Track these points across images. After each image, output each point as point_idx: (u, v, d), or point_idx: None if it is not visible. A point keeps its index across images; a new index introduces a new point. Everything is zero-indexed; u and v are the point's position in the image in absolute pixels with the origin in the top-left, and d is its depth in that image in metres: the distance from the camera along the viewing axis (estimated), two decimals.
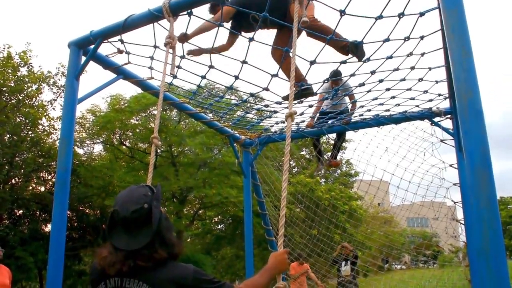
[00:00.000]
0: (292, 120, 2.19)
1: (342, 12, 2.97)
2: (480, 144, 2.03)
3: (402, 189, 6.10)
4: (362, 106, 5.03)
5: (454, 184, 5.31)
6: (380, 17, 3.06)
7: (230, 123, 5.90)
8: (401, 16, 3.11)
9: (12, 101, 16.62)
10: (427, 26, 3.34)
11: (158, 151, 19.26)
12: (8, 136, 16.51)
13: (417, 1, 2.94)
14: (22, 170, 16.97)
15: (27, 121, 16.87)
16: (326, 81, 4.82)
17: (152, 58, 3.76)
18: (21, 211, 18.02)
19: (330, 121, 5.90)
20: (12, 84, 16.34)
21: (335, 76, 5.16)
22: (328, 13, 3.04)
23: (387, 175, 6.12)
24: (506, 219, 36.49)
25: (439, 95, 4.88)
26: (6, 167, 16.24)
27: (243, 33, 3.77)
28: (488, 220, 1.91)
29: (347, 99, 5.84)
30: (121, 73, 4.05)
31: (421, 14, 3.18)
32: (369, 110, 5.34)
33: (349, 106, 5.91)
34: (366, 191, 7.19)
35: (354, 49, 3.56)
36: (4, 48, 16.49)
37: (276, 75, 3.82)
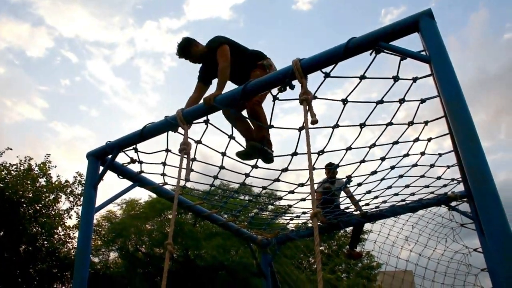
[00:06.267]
0: (318, 219, 2.14)
1: (345, 101, 3.09)
2: (502, 229, 1.98)
3: (429, 279, 5.84)
4: (376, 197, 5.01)
5: (482, 270, 5.08)
6: (381, 101, 3.16)
7: (246, 223, 5.86)
8: (402, 101, 3.21)
9: (30, 211, 16.84)
10: (430, 106, 3.43)
11: (174, 255, 18.88)
12: (23, 247, 16.48)
13: (419, 82, 3.03)
14: (35, 282, 16.64)
15: (43, 231, 16.93)
16: (324, 181, 5.77)
17: (164, 164, 3.88)
18: None
19: (344, 213, 5.85)
20: (31, 195, 16.70)
21: (331, 165, 5.76)
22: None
23: (410, 265, 5.91)
24: None
25: (453, 179, 4.87)
26: (19, 279, 15.97)
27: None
28: None
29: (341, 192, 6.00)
30: (137, 180, 4.15)
31: (422, 101, 3.28)
32: (385, 202, 5.30)
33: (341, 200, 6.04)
34: (391, 283, 6.87)
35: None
36: (25, 161, 17.16)
37: (285, 170, 3.88)
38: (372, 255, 22.57)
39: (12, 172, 16.76)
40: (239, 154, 3.84)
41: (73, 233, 17.98)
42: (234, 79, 3.97)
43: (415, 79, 2.98)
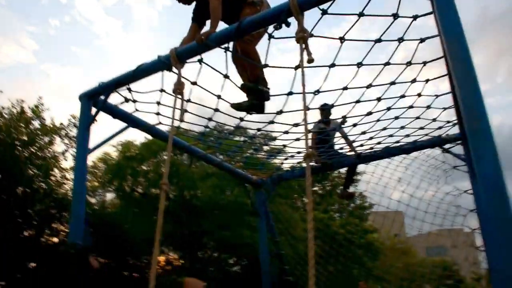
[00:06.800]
0: (310, 160, 2.14)
1: (342, 39, 3.02)
2: (493, 170, 1.99)
3: (418, 220, 6.00)
4: (371, 138, 5.03)
5: (471, 211, 5.21)
6: (379, 40, 3.10)
7: (241, 163, 5.91)
8: (401, 40, 3.15)
9: (25, 154, 16.86)
10: (429, 49, 3.37)
11: (170, 195, 19.24)
12: (21, 189, 16.66)
13: (418, 24, 2.97)
14: (34, 222, 17.00)
15: (39, 173, 17.03)
16: (317, 122, 5.67)
17: (159, 103, 3.83)
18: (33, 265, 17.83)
19: (338, 154, 5.87)
20: (25, 138, 16.65)
21: (325, 106, 5.64)
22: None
23: (401, 205, 6.05)
24: None
25: (448, 122, 4.87)
26: (19, 219, 16.28)
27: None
28: (507, 246, 1.85)
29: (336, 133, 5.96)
30: (131, 121, 4.11)
31: (422, 41, 3.21)
32: (379, 143, 5.32)
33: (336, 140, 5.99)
34: (382, 223, 7.08)
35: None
36: (17, 104, 16.94)
37: (280, 112, 3.89)
38: (364, 196, 23.16)
39: (5, 115, 16.58)
40: (234, 106, 3.80)
41: (69, 175, 18.11)
42: (225, 19, 3.85)
43: (415, 17, 2.90)
